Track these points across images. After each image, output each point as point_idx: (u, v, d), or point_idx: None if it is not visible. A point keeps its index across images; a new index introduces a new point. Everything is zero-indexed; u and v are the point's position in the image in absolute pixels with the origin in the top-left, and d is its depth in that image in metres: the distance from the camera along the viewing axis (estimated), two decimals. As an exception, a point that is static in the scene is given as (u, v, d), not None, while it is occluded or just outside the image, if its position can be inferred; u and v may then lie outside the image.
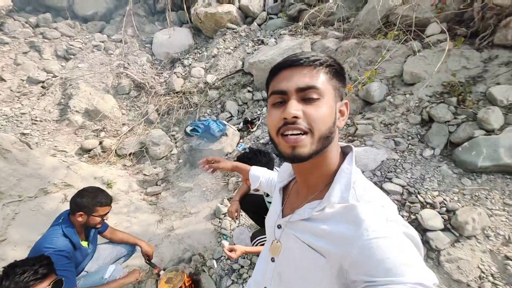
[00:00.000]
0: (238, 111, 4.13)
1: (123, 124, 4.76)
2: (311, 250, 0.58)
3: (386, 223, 0.50)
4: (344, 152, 0.64)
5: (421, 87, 2.75)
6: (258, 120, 3.64)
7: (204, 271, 2.17)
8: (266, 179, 1.16)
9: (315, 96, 0.54)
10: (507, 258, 1.62)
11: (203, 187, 3.23)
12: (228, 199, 2.89)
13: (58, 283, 1.20)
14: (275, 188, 0.82)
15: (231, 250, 1.63)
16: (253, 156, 1.86)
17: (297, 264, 0.62)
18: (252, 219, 2.31)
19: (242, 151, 3.34)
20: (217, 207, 2.79)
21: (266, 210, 1.91)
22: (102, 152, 4.33)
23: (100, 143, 4.41)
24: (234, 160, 2.41)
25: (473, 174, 2.07)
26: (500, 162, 1.94)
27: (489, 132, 2.14)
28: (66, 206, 2.37)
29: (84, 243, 1.76)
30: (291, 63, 0.57)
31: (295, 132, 0.54)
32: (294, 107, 0.54)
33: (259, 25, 5.12)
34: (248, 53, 4.58)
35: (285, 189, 0.78)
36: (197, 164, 3.46)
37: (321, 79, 0.55)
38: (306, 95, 0.54)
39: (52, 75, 5.16)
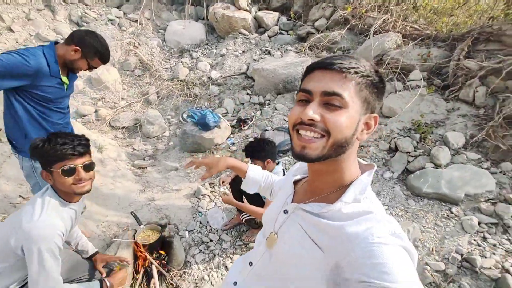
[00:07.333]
0: (234, 110, 4.44)
1: (122, 99, 4.94)
2: (311, 242, 0.60)
3: (391, 235, 0.52)
4: (364, 170, 0.65)
5: (395, 121, 3.20)
6: (251, 120, 3.97)
7: (178, 234, 2.42)
8: (265, 182, 1.10)
9: (338, 104, 0.54)
10: (427, 264, 2.00)
11: (188, 169, 3.48)
12: (209, 183, 3.16)
13: (91, 166, 1.23)
14: (283, 180, 0.85)
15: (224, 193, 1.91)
16: (257, 145, 1.98)
17: (293, 250, 0.64)
18: (235, 199, 2.55)
19: (231, 144, 3.65)
20: (197, 188, 3.05)
21: (251, 196, 2.03)
22: (96, 120, 4.50)
23: (96, 111, 4.57)
24: (242, 150, 2.59)
25: (417, 198, 2.49)
26: (439, 191, 2.37)
27: (437, 166, 2.58)
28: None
29: (65, 78, 1.60)
30: (325, 65, 0.56)
31: (308, 133, 0.56)
32: (312, 111, 0.55)
33: (270, 37, 5.53)
34: (254, 60, 4.95)
35: (295, 183, 0.80)
36: (186, 147, 3.75)
37: (350, 89, 0.54)
38: (329, 100, 0.55)
39: (61, 37, 5.27)
